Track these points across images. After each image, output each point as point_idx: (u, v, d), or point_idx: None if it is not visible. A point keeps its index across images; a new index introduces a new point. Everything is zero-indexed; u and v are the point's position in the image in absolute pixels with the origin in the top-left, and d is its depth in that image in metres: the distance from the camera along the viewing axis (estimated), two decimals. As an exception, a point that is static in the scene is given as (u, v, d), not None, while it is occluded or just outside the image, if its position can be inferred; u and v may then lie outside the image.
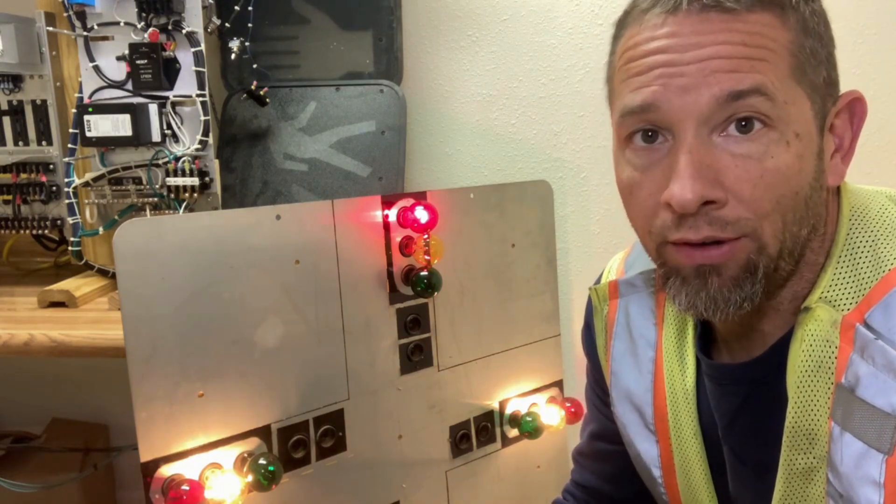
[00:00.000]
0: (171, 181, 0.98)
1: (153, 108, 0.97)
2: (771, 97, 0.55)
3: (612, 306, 0.80)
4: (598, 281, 0.84)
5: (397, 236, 0.95)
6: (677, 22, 0.56)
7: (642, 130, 0.60)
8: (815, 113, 0.58)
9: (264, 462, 0.82)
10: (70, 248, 1.02)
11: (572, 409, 1.12)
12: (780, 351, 0.62)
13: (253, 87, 1.11)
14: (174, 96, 0.98)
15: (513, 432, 1.09)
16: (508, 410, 1.09)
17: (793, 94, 0.57)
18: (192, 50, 0.96)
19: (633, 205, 0.62)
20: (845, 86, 0.62)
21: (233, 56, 1.09)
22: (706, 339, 0.71)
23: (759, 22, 0.56)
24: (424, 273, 0.93)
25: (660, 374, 0.74)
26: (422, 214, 0.93)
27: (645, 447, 0.76)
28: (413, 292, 0.95)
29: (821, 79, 0.59)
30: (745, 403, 0.66)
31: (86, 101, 0.99)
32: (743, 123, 0.56)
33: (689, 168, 0.56)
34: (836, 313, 0.58)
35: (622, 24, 0.63)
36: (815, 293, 0.60)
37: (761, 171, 0.56)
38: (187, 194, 0.98)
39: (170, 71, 0.97)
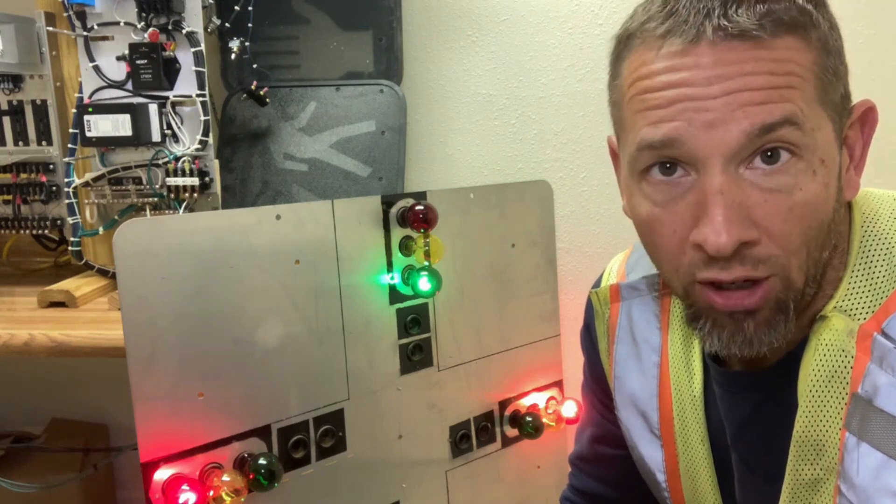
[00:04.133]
0: (171, 181, 0.97)
1: (153, 108, 0.97)
2: (800, 126, 0.53)
3: (613, 310, 0.79)
4: (597, 284, 0.83)
5: (397, 236, 0.95)
6: (699, 52, 0.53)
7: (660, 164, 0.57)
8: (836, 134, 0.56)
9: (264, 462, 0.82)
10: (70, 248, 1.02)
11: (573, 410, 1.12)
12: (793, 360, 0.61)
13: (253, 87, 1.11)
14: (174, 96, 0.98)
15: (513, 432, 1.09)
16: (508, 410, 1.09)
17: (819, 120, 0.54)
18: (192, 50, 0.96)
19: (655, 243, 0.60)
20: (846, 87, 0.62)
21: (233, 56, 1.09)
22: None
23: (784, 47, 0.53)
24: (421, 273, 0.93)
25: (665, 379, 0.74)
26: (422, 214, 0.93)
27: (649, 451, 0.76)
28: (413, 293, 0.95)
29: (839, 96, 0.57)
30: (755, 411, 0.66)
31: (86, 101, 0.99)
32: (769, 154, 0.53)
33: (720, 209, 0.53)
34: (852, 322, 0.57)
35: (627, 45, 0.59)
36: (831, 303, 0.59)
37: (791, 204, 0.54)
38: (187, 194, 0.97)
39: (170, 71, 0.97)
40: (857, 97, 0.61)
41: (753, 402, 0.66)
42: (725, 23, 0.52)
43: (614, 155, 0.68)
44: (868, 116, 0.61)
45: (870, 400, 0.55)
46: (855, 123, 0.60)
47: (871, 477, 0.55)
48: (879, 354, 0.55)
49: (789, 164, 0.54)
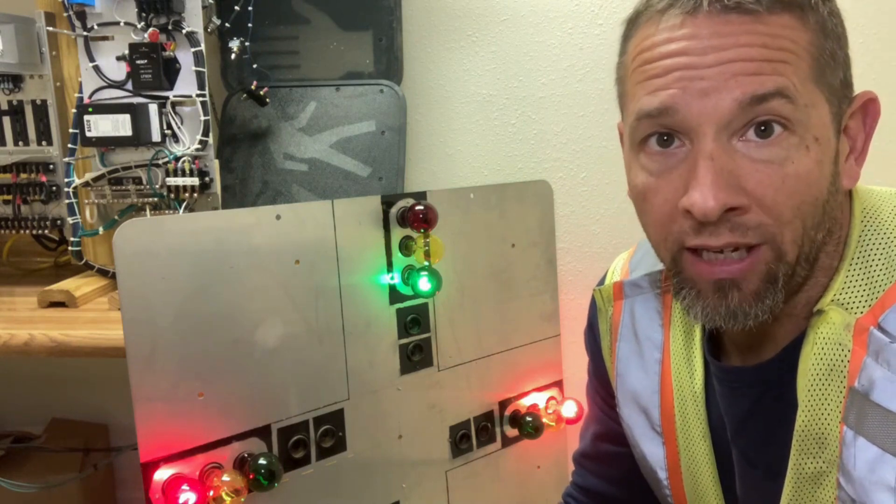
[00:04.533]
0: (171, 181, 0.97)
1: (153, 108, 0.97)
2: (793, 100, 0.54)
3: (616, 308, 0.79)
4: (601, 282, 0.83)
5: (397, 236, 0.95)
6: (697, 23, 0.55)
7: (657, 134, 0.58)
8: (833, 116, 0.57)
9: (264, 462, 0.82)
10: (70, 248, 1.02)
11: (573, 410, 1.12)
12: (791, 354, 0.62)
13: (253, 87, 1.11)
14: (174, 96, 0.98)
15: (513, 432, 1.09)
16: (508, 410, 1.09)
17: (813, 97, 0.56)
18: (192, 50, 0.96)
19: (647, 211, 0.61)
20: (847, 85, 0.62)
21: (233, 56, 1.09)
22: (714, 341, 0.71)
23: (780, 23, 0.55)
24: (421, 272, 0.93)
25: (667, 375, 0.74)
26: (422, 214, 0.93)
27: (651, 449, 0.76)
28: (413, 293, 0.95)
29: (837, 81, 0.58)
30: (755, 406, 0.66)
31: (86, 101, 0.99)
32: (763, 128, 0.55)
33: (709, 174, 0.54)
34: (849, 316, 0.58)
35: (634, 24, 0.61)
36: (828, 296, 0.59)
37: (782, 176, 0.55)
38: (187, 194, 0.97)
39: (170, 71, 0.97)
40: (867, 91, 0.61)
41: (753, 397, 0.66)
42: None
43: (622, 140, 0.69)
44: (870, 108, 0.61)
45: (866, 394, 0.56)
46: (856, 114, 0.61)
47: (867, 470, 0.55)
48: (875, 349, 0.55)
49: (782, 138, 0.55)
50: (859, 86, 0.62)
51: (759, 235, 0.56)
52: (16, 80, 1.05)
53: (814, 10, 0.56)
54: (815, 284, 0.61)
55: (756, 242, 0.56)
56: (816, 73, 0.56)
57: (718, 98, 0.54)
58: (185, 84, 0.98)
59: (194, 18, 0.97)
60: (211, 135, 0.98)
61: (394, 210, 0.95)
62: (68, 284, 1.03)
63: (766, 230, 0.56)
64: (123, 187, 1.01)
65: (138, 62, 0.96)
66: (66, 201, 1.00)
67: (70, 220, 1.01)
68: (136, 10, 0.96)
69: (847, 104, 0.60)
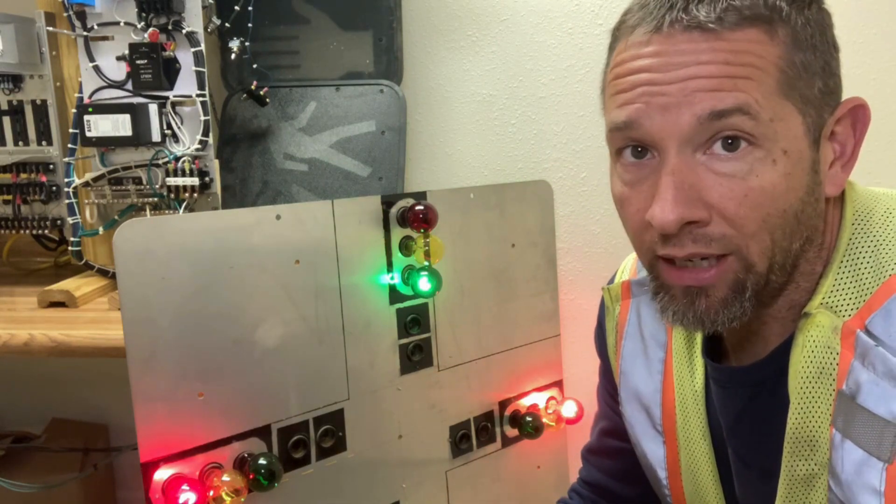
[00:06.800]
0: (171, 181, 0.97)
1: (153, 108, 0.97)
2: (754, 116, 0.55)
3: (623, 306, 0.80)
4: (611, 280, 0.84)
5: (397, 236, 0.95)
6: (661, 40, 0.56)
7: (631, 146, 0.60)
8: (808, 127, 0.57)
9: (264, 462, 0.82)
10: (70, 248, 1.02)
11: (573, 410, 1.12)
12: (781, 355, 0.62)
13: (253, 87, 1.11)
14: (174, 96, 0.98)
15: (513, 432, 1.09)
16: (508, 410, 1.09)
17: (780, 111, 0.56)
18: (192, 50, 0.96)
19: (625, 218, 0.63)
20: (846, 86, 0.61)
21: (233, 56, 1.09)
22: (714, 342, 0.71)
23: (745, 39, 0.55)
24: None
25: (669, 375, 0.74)
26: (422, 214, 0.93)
27: (651, 448, 0.76)
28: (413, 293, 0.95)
29: (815, 90, 0.57)
30: (747, 407, 0.66)
31: (86, 101, 0.99)
32: (729, 142, 0.55)
33: (670, 189, 0.56)
34: (836, 319, 0.58)
35: (615, 37, 0.63)
36: (816, 299, 0.59)
37: (745, 189, 0.55)
38: (187, 194, 0.97)
39: (170, 71, 0.97)
40: (855, 97, 0.61)
41: (745, 397, 0.66)
42: (683, 15, 0.55)
43: None
44: (859, 113, 0.61)
45: (853, 397, 0.56)
46: (844, 120, 0.61)
47: (853, 473, 0.56)
48: (862, 352, 0.56)
49: (746, 152, 0.56)
50: (859, 86, 0.61)
51: (723, 247, 0.57)
52: (16, 80, 1.05)
53: (784, 22, 0.56)
54: (798, 289, 0.62)
55: (721, 253, 0.57)
56: (785, 87, 0.56)
57: (678, 113, 0.55)
58: (185, 84, 0.98)
59: (194, 18, 0.97)
60: (211, 135, 0.98)
61: (394, 210, 0.95)
62: (68, 284, 1.03)
63: (730, 241, 0.57)
64: (123, 187, 1.01)
65: (138, 62, 0.96)
66: (66, 201, 1.00)
67: (70, 220, 1.01)
68: (136, 10, 0.96)
69: (830, 112, 0.59)
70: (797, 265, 0.60)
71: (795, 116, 0.57)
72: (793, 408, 0.60)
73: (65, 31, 1.00)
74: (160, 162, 0.98)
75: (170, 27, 0.96)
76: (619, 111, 0.59)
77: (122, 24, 0.97)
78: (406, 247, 0.96)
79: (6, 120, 1.06)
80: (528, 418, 1.08)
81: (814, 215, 0.59)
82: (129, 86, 0.98)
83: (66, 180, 1.00)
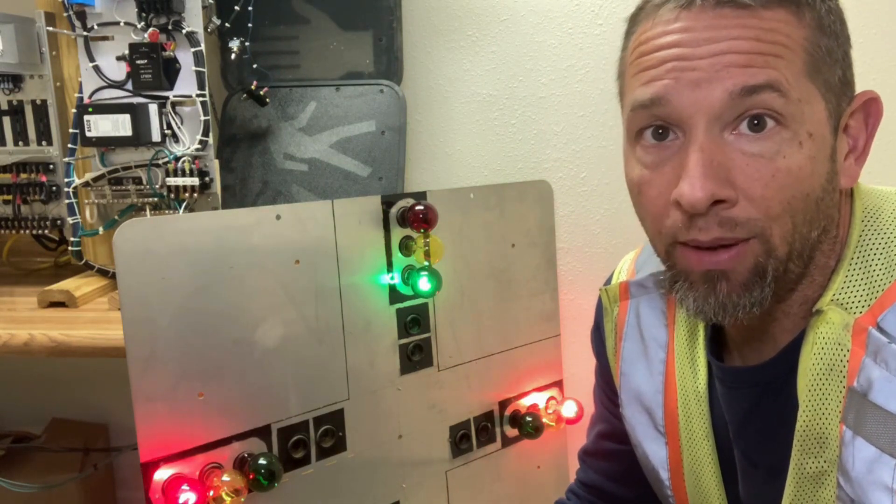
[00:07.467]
0: (171, 181, 0.97)
1: (153, 108, 0.97)
2: (784, 94, 0.54)
3: (622, 307, 0.79)
4: (608, 281, 0.83)
5: (397, 236, 0.95)
6: (691, 17, 0.56)
7: (653, 127, 0.59)
8: (829, 113, 0.57)
9: (264, 462, 0.82)
10: (70, 248, 1.02)
11: (573, 410, 1.12)
12: (791, 354, 0.62)
13: (253, 87, 1.11)
14: (174, 96, 0.98)
15: (513, 432, 1.09)
16: (508, 410, 1.09)
17: (807, 93, 0.56)
18: (192, 50, 0.96)
19: (642, 204, 0.61)
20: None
21: (233, 56, 1.09)
22: (717, 341, 0.71)
23: (774, 18, 0.55)
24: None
25: (671, 376, 0.74)
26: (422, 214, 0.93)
27: (653, 449, 0.76)
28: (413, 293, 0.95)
29: (836, 78, 0.58)
30: (756, 407, 0.66)
31: (86, 101, 0.99)
32: (755, 122, 0.55)
33: (699, 166, 0.55)
34: (848, 316, 0.58)
35: (634, 20, 0.62)
36: (827, 296, 0.59)
37: (773, 170, 0.55)
38: (187, 194, 0.97)
39: (170, 71, 0.97)
40: (869, 90, 0.61)
41: (754, 397, 0.66)
42: None
43: None
44: (871, 107, 0.61)
45: (864, 394, 0.56)
46: (857, 113, 0.61)
47: (865, 470, 0.56)
48: (874, 349, 0.56)
49: (774, 132, 0.55)
50: (861, 85, 0.61)
51: (747, 231, 0.56)
52: (16, 80, 1.05)
53: (810, 7, 0.57)
54: (812, 283, 0.61)
55: (744, 237, 0.56)
56: (811, 69, 0.56)
57: (710, 88, 0.55)
58: (185, 84, 0.98)
59: (194, 18, 0.97)
60: (211, 135, 0.98)
61: (394, 210, 0.95)
62: (68, 284, 1.03)
63: (754, 225, 0.56)
64: (123, 187, 1.01)
65: (138, 62, 0.96)
66: (66, 201, 1.00)
67: (70, 220, 1.01)
68: (136, 10, 0.96)
69: (847, 103, 0.59)
70: (813, 256, 0.60)
71: (819, 101, 0.57)
72: (802, 405, 0.60)
73: (65, 31, 1.00)
74: (160, 162, 0.98)
75: (170, 27, 0.96)
76: (644, 88, 0.58)
77: (122, 24, 0.97)
78: (406, 247, 0.96)
79: (6, 120, 1.06)
80: (528, 418, 1.08)
81: (831, 205, 0.59)
82: (129, 86, 0.98)
83: (66, 180, 1.00)
